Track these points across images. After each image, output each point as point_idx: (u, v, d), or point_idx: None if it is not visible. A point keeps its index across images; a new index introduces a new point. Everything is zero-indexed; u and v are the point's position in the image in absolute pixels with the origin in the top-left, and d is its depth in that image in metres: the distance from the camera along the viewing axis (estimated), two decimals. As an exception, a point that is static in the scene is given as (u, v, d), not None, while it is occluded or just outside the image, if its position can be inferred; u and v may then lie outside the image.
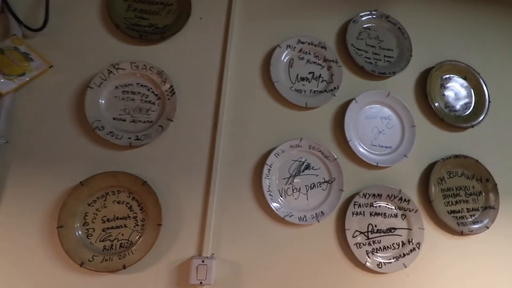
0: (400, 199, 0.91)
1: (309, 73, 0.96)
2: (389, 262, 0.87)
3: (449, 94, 1.04)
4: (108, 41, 0.89)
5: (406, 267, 0.87)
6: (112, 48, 0.89)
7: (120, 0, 0.91)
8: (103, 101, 0.84)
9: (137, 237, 0.79)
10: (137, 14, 0.91)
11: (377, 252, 0.87)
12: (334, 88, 0.95)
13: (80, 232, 0.77)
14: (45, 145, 0.82)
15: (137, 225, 0.79)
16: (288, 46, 0.96)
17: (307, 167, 0.90)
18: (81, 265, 0.73)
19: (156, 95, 0.87)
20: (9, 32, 0.82)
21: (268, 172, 0.87)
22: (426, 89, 0.99)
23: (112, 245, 0.78)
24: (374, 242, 0.88)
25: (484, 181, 0.98)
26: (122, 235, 0.79)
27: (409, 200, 0.91)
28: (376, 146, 0.95)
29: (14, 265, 0.75)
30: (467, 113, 1.04)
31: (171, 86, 0.86)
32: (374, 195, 0.91)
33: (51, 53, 0.85)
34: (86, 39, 0.88)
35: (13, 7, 0.83)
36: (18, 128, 0.81)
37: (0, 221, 0.76)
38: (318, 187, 0.89)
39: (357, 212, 0.89)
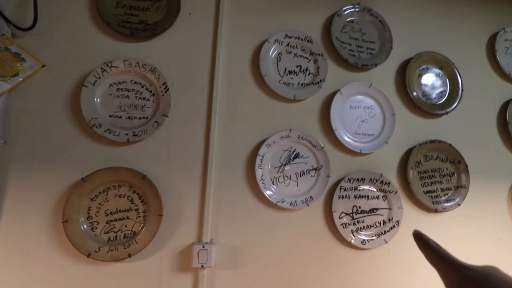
0: (382, 182, 0.99)
1: (297, 66, 1.00)
2: (372, 239, 0.96)
3: (426, 83, 1.11)
4: (99, 38, 0.89)
5: (387, 242, 0.96)
6: (104, 46, 0.89)
7: (109, -4, 0.90)
8: (98, 100, 0.85)
9: (140, 228, 0.83)
10: (127, 11, 0.90)
11: (361, 231, 0.96)
12: (320, 80, 1.00)
13: (85, 226, 0.81)
14: (44, 144, 0.83)
15: (139, 216, 0.84)
16: (276, 40, 0.98)
17: (297, 156, 0.96)
18: (88, 256, 0.78)
19: (150, 91, 0.89)
20: (-3, 32, 0.82)
21: (261, 162, 0.92)
22: (405, 79, 1.06)
23: (116, 236, 0.82)
24: (358, 222, 0.96)
25: (457, 163, 1.08)
26: (126, 226, 0.83)
27: (389, 183, 0.99)
28: (359, 134, 1.02)
29: (24, 260, 0.78)
30: (442, 101, 1.11)
31: (165, 83, 0.88)
32: (358, 179, 0.98)
33: (42, 52, 0.84)
34: (77, 37, 0.88)
35: (0, 6, 0.82)
36: (15, 128, 0.82)
37: (6, 220, 0.78)
38: (307, 174, 0.96)
39: (342, 195, 0.96)
